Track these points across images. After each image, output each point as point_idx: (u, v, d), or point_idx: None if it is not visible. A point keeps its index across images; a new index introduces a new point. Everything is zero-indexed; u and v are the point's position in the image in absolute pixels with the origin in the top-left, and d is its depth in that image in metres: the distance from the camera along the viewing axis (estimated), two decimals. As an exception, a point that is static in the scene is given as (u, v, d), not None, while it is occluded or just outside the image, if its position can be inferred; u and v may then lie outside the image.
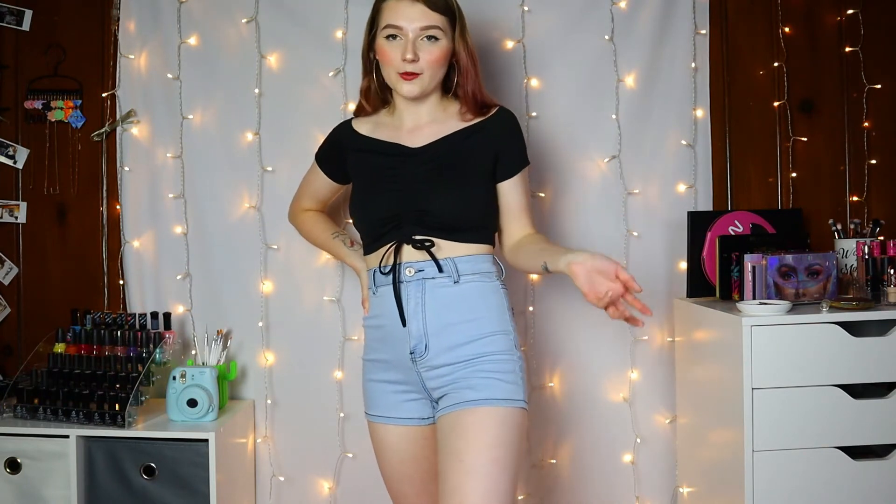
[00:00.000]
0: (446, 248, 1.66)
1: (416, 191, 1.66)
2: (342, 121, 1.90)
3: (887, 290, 2.00)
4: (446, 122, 1.74)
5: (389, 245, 1.68)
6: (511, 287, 1.88)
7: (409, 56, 1.63)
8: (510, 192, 1.73)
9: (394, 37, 1.65)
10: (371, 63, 1.77)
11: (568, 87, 2.34)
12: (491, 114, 1.74)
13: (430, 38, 1.65)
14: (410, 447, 1.73)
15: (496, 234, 1.78)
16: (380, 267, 1.69)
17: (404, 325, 1.65)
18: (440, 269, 1.64)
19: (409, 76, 1.66)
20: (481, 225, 1.70)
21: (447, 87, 1.76)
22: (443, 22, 1.66)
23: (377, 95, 1.80)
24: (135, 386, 2.07)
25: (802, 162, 2.42)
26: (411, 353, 1.66)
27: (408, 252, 1.66)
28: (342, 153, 1.84)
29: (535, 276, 2.33)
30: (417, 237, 1.65)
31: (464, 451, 1.54)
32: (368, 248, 1.75)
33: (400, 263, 1.66)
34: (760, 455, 1.86)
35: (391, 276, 1.66)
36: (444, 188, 1.66)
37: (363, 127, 1.82)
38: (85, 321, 2.25)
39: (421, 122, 1.74)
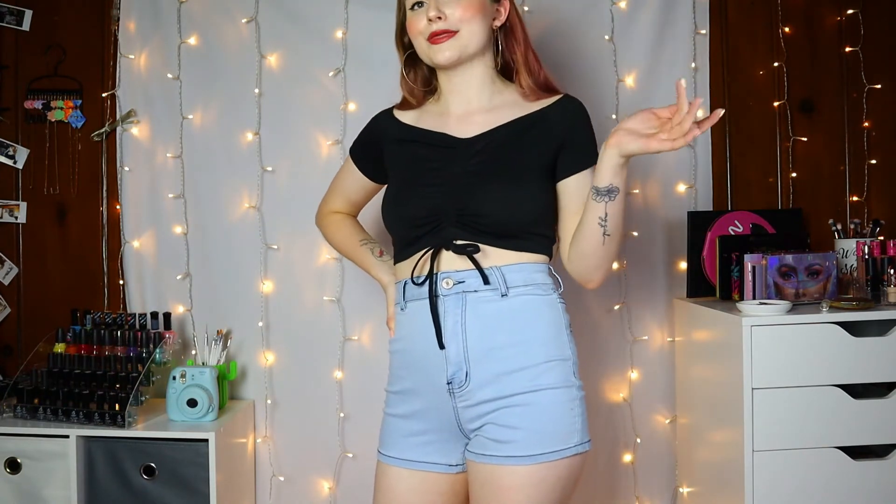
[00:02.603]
0: (493, 256, 1.41)
1: (463, 188, 1.42)
2: (382, 110, 1.68)
3: (887, 290, 2.00)
4: (501, 110, 1.49)
5: (425, 251, 1.43)
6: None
7: (432, 13, 1.42)
8: (576, 191, 1.44)
9: (419, 4, 1.45)
10: (407, 49, 1.55)
11: (568, 88, 2.32)
12: (554, 101, 1.50)
13: None
14: (419, 501, 1.46)
15: (554, 246, 1.53)
16: (412, 277, 1.45)
17: (442, 346, 1.40)
18: (486, 281, 1.39)
19: (439, 37, 1.43)
20: (537, 231, 1.45)
21: (500, 66, 1.53)
22: None
23: (422, 86, 1.58)
24: (135, 386, 2.07)
25: (802, 162, 2.42)
26: (448, 384, 1.41)
27: (447, 259, 1.42)
28: (380, 146, 1.60)
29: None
30: (459, 242, 1.41)
31: None
32: (400, 255, 1.50)
33: (436, 273, 1.41)
34: (760, 455, 1.86)
35: (425, 289, 1.42)
36: (496, 185, 1.41)
37: (406, 116, 1.59)
38: (85, 321, 2.25)
39: (471, 107, 1.51)
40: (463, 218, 1.41)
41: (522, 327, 1.40)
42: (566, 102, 1.50)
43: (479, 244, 1.41)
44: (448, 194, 1.43)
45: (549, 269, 1.49)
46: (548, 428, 1.37)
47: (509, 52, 1.51)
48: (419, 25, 1.45)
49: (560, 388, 1.40)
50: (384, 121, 1.63)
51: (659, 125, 1.26)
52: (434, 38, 1.44)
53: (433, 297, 1.41)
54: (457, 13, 1.42)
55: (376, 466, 1.54)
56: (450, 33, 1.43)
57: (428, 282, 1.42)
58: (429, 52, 1.47)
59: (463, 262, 1.41)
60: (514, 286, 1.41)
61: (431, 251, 1.43)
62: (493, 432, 1.39)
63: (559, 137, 1.46)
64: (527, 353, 1.40)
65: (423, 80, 1.58)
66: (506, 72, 1.55)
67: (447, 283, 1.41)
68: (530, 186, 1.42)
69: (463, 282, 1.41)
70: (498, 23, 1.49)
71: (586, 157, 1.45)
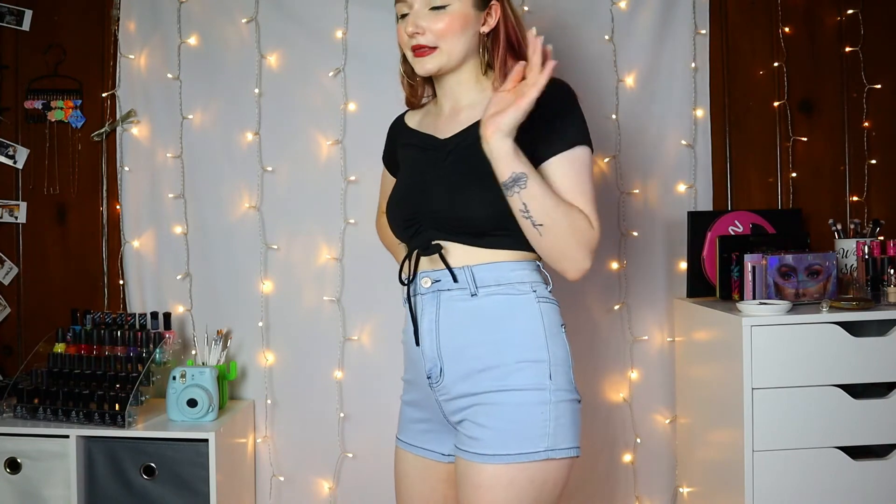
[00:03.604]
0: (465, 255, 1.43)
1: (437, 189, 1.44)
2: (398, 115, 1.71)
3: (887, 290, 2.00)
4: (482, 105, 1.46)
5: (413, 252, 1.49)
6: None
7: (410, 29, 1.44)
8: (553, 178, 1.40)
9: (405, 15, 1.47)
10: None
11: (568, 87, 2.34)
12: None
13: (436, 7, 1.43)
14: (423, 485, 1.53)
15: None
16: (399, 277, 1.51)
17: (418, 343, 1.45)
18: (455, 279, 1.42)
19: (420, 52, 1.45)
20: (512, 228, 1.39)
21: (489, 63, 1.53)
22: None
23: (422, 83, 1.61)
24: (135, 386, 2.07)
25: (802, 162, 2.42)
26: (428, 378, 1.46)
27: (427, 259, 1.46)
28: (395, 148, 1.65)
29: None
30: (434, 243, 1.44)
31: None
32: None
33: (418, 273, 1.47)
34: (760, 455, 1.86)
35: (409, 288, 1.48)
36: (463, 186, 1.41)
37: (413, 118, 1.63)
38: (85, 321, 2.25)
39: (459, 105, 1.52)
40: (437, 220, 1.43)
41: (493, 327, 1.40)
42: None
43: (450, 243, 1.43)
44: (427, 197, 1.45)
45: (537, 266, 1.47)
46: (512, 428, 1.36)
47: (491, 57, 1.50)
48: (403, 37, 1.48)
49: (529, 390, 1.38)
50: (395, 126, 1.68)
51: (514, 94, 1.33)
52: (415, 51, 1.46)
53: (411, 296, 1.47)
54: (434, 28, 1.43)
55: (395, 451, 1.60)
56: (428, 49, 1.45)
57: (410, 281, 1.47)
58: (413, 64, 1.49)
59: (440, 262, 1.44)
60: (485, 286, 1.41)
61: (416, 253, 1.47)
62: (468, 428, 1.41)
63: (528, 126, 1.39)
64: (496, 352, 1.40)
65: (422, 80, 1.60)
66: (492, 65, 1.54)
67: (425, 283, 1.45)
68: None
69: (439, 281, 1.44)
70: (486, 29, 1.48)
71: (560, 141, 1.39)
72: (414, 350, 1.48)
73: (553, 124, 1.40)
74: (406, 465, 1.55)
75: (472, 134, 1.44)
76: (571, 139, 1.41)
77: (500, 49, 1.47)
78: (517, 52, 1.48)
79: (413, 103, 1.63)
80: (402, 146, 1.61)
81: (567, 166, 1.40)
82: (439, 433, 1.50)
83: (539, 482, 1.36)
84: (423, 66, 1.46)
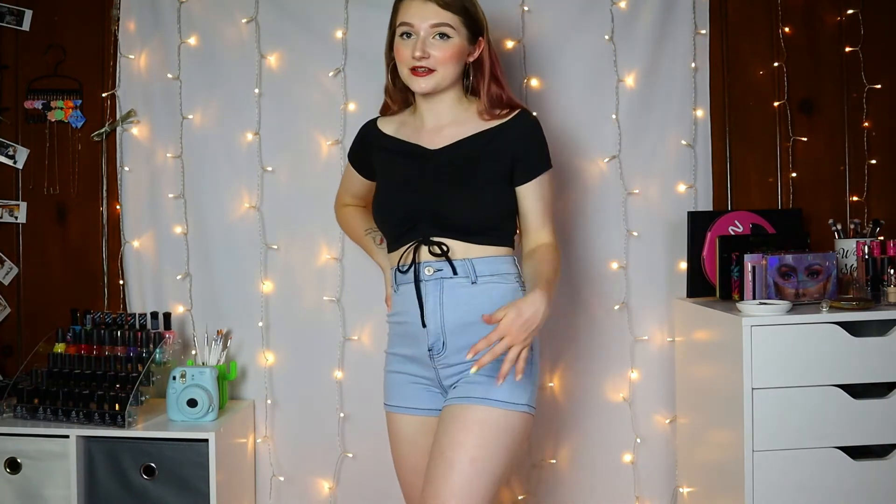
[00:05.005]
0: (463, 250, 1.67)
1: (433, 193, 1.68)
2: (369, 119, 1.89)
3: (887, 290, 2.00)
4: (466, 123, 1.74)
5: (409, 245, 1.70)
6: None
7: (418, 54, 1.65)
8: (526, 197, 1.72)
9: (408, 35, 1.68)
10: (391, 61, 1.78)
11: (568, 87, 2.34)
12: (510, 117, 1.73)
13: (441, 35, 1.66)
14: (423, 439, 1.72)
15: (516, 237, 1.78)
16: (398, 266, 1.71)
17: (424, 325, 1.68)
18: (455, 272, 1.66)
19: (420, 73, 1.67)
20: (497, 228, 1.71)
21: (470, 88, 1.78)
22: (455, 21, 1.67)
23: (401, 94, 1.82)
24: (135, 386, 2.07)
25: (802, 162, 2.42)
26: (429, 350, 1.68)
27: (426, 252, 1.68)
28: (369, 151, 1.86)
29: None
30: (435, 238, 1.67)
31: (447, 447, 1.57)
32: (391, 247, 1.77)
33: (419, 263, 1.68)
34: (760, 455, 1.86)
35: (411, 275, 1.69)
36: (459, 192, 1.67)
37: (388, 126, 1.83)
38: (85, 321, 2.25)
39: (441, 121, 1.75)
40: (436, 219, 1.67)
41: (490, 308, 1.61)
42: (520, 119, 1.73)
43: (451, 240, 1.67)
44: (421, 199, 1.69)
45: (514, 259, 1.74)
46: (503, 384, 1.57)
47: (476, 82, 1.76)
48: (405, 55, 1.68)
49: None
50: (370, 132, 1.86)
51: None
52: (415, 71, 1.67)
53: (417, 283, 1.68)
54: (437, 55, 1.66)
55: (386, 417, 1.79)
56: (429, 70, 1.67)
57: (413, 269, 1.68)
58: (408, 81, 1.71)
59: (439, 254, 1.67)
60: (483, 275, 1.67)
61: (415, 245, 1.69)
62: (461, 385, 1.65)
63: (513, 150, 1.70)
64: (491, 328, 1.58)
65: (402, 86, 1.78)
66: (475, 90, 1.77)
67: (428, 271, 1.68)
68: (491, 192, 1.68)
69: (441, 269, 1.67)
70: (472, 59, 1.73)
71: (535, 167, 1.71)
72: (416, 328, 1.69)
73: (525, 154, 1.71)
74: (403, 426, 1.75)
75: (464, 148, 1.71)
76: (540, 167, 1.72)
77: (486, 78, 1.73)
78: (496, 79, 1.74)
79: (392, 111, 1.85)
80: (380, 150, 1.82)
81: (537, 192, 1.71)
82: (434, 393, 1.73)
83: (518, 431, 1.61)
84: (420, 85, 1.68)
